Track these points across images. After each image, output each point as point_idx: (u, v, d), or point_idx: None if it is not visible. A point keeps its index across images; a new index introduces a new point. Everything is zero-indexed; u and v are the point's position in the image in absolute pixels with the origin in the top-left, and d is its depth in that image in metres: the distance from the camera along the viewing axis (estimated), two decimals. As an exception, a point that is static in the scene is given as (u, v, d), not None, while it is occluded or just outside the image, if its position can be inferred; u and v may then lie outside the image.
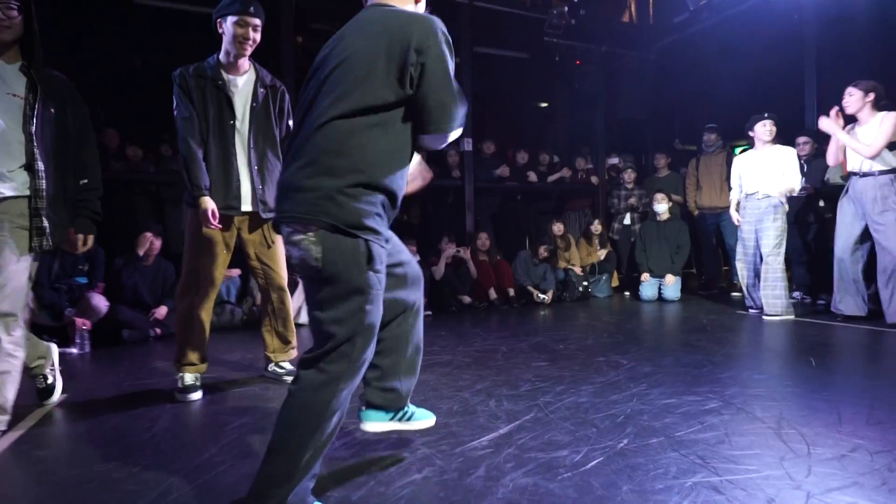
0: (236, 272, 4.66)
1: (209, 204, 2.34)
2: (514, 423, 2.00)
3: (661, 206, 5.63)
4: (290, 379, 2.70)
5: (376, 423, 1.66)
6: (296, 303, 4.68)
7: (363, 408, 1.66)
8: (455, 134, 1.42)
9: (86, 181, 2.23)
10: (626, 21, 7.26)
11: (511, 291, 5.40)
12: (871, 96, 3.77)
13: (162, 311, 4.08)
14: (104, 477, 1.63)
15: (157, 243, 4.17)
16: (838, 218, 3.99)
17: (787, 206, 4.26)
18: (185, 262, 2.50)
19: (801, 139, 4.93)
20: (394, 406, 1.65)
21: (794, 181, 4.17)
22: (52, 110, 2.07)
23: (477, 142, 6.22)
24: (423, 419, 1.76)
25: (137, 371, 3.04)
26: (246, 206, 2.48)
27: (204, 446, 1.85)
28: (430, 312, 4.88)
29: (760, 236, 4.28)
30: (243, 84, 2.50)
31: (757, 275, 4.39)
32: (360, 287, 1.27)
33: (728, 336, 3.62)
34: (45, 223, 2.00)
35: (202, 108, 2.42)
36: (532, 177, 6.42)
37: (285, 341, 2.78)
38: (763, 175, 4.25)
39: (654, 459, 1.64)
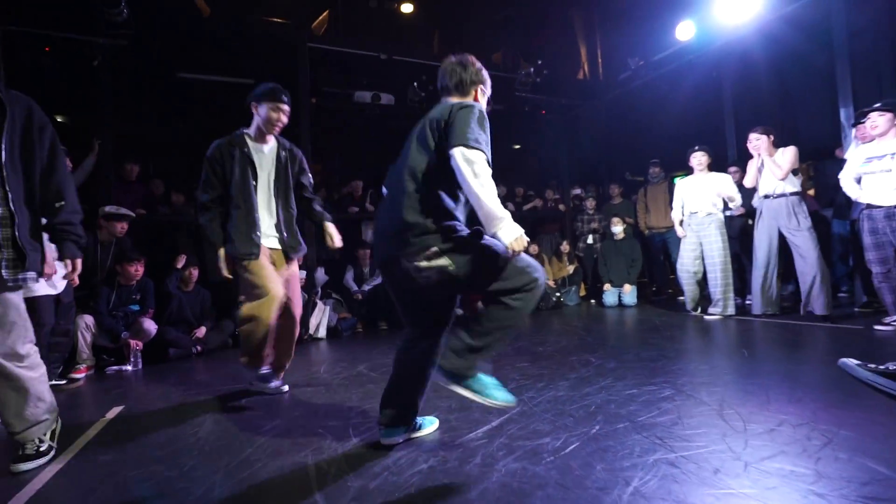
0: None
1: (221, 262, 2.43)
2: (504, 416, 2.00)
3: (618, 228, 5.73)
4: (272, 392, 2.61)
5: (394, 438, 1.75)
6: (314, 320, 4.67)
7: (381, 429, 1.75)
8: (483, 186, 1.50)
9: (62, 203, 1.77)
10: (580, 78, 7.48)
11: (496, 303, 5.40)
12: (772, 137, 3.92)
13: (201, 330, 4.05)
14: (159, 476, 1.62)
15: (195, 273, 4.16)
16: (756, 235, 4.04)
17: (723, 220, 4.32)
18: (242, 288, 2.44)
19: (732, 169, 5.02)
20: (405, 423, 1.76)
21: (737, 198, 4.26)
22: (20, 131, 1.68)
23: (463, 180, 6.31)
24: (429, 426, 1.86)
25: (183, 384, 3.01)
26: (270, 244, 2.47)
27: (241, 448, 1.84)
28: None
29: (706, 248, 4.29)
30: (268, 151, 2.52)
31: (700, 280, 4.43)
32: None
33: (677, 334, 3.64)
34: (25, 249, 1.65)
35: (230, 170, 2.42)
36: (510, 207, 6.46)
37: (281, 366, 2.63)
38: (704, 196, 4.32)
39: (621, 442, 1.66)
